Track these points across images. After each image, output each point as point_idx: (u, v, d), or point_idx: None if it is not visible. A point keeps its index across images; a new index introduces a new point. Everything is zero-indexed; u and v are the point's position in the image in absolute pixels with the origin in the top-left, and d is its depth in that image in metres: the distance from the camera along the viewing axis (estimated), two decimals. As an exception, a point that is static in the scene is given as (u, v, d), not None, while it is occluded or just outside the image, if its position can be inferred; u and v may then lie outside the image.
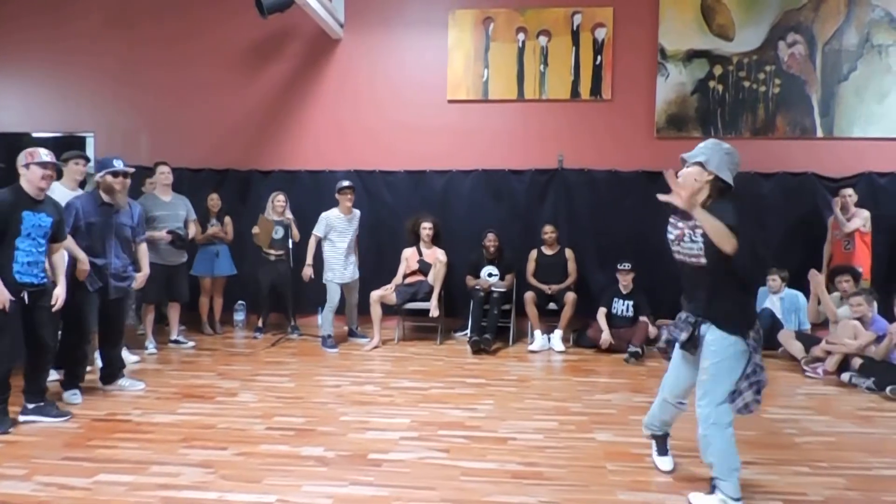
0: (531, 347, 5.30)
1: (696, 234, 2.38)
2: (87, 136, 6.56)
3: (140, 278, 4.11)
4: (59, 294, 3.32)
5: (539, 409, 3.69)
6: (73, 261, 3.63)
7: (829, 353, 4.51)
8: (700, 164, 2.38)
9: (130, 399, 3.77)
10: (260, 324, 5.77)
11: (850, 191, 5.30)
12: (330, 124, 6.31)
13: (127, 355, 4.43)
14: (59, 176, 3.89)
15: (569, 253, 5.69)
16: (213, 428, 3.27)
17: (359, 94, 6.27)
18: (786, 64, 5.83)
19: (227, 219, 5.77)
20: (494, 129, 6.13)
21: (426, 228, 5.56)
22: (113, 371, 3.97)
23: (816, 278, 4.66)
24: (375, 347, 5.27)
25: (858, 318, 4.47)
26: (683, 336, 2.50)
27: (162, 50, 6.42)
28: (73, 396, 3.67)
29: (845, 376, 4.31)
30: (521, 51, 6.05)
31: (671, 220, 2.54)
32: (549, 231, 5.66)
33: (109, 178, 3.74)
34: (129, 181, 4.09)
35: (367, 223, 5.67)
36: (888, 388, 3.95)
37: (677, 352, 2.63)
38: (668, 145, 5.83)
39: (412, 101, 6.19)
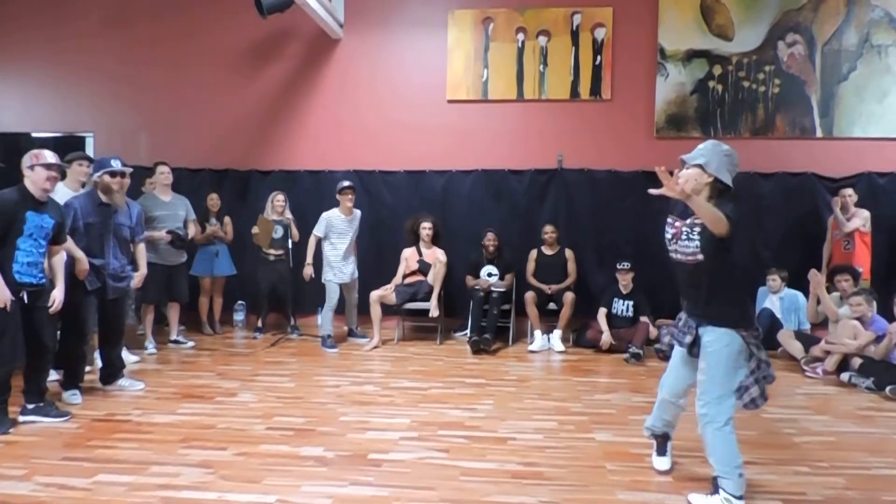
0: (531, 347, 5.30)
1: (693, 233, 2.39)
2: (87, 136, 6.56)
3: (138, 278, 4.10)
4: (57, 296, 3.32)
5: (539, 409, 3.69)
6: (71, 260, 3.62)
7: (828, 352, 4.51)
8: (700, 166, 2.39)
9: (130, 399, 3.77)
10: (259, 324, 5.77)
11: (850, 191, 5.31)
12: (330, 124, 6.31)
13: (127, 355, 4.42)
14: (62, 177, 3.89)
15: (569, 253, 5.69)
16: (213, 428, 3.27)
17: (358, 94, 6.27)
18: (785, 64, 5.83)
19: (227, 219, 5.77)
20: (494, 129, 6.13)
21: (426, 228, 5.56)
22: (113, 371, 3.97)
23: (816, 278, 4.66)
24: (375, 347, 5.27)
25: (858, 318, 4.47)
26: (688, 339, 2.51)
27: (161, 50, 6.41)
28: (72, 397, 3.67)
29: (845, 376, 4.31)
30: (520, 51, 6.05)
31: (668, 219, 2.55)
32: (549, 231, 5.66)
33: (107, 178, 3.74)
34: (128, 181, 4.09)
35: (366, 223, 5.67)
36: (888, 388, 3.96)
37: (677, 351, 2.64)
38: (667, 145, 5.83)
39: (412, 101, 6.19)
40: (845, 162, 5.73)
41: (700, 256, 2.37)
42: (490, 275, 5.60)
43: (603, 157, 5.96)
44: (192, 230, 5.22)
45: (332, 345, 5.21)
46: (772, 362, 2.47)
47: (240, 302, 6.13)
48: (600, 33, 5.97)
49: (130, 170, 3.99)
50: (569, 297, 5.37)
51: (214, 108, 6.40)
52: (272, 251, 5.59)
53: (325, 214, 5.29)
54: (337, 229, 5.27)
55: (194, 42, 6.39)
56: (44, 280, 3.28)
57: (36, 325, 3.24)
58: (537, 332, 5.36)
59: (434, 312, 5.29)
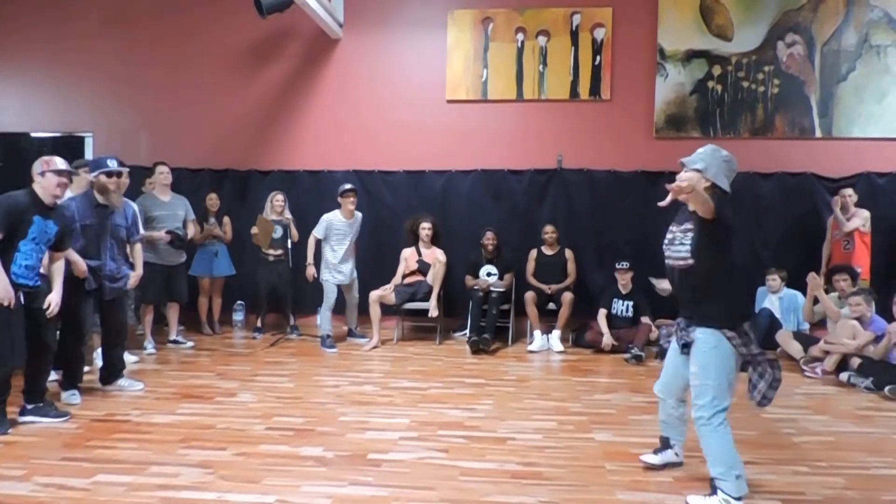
0: (530, 347, 5.30)
1: (686, 238, 2.45)
2: (86, 136, 6.56)
3: (134, 279, 4.09)
4: (53, 299, 3.30)
5: (538, 409, 3.69)
6: (68, 263, 3.62)
7: (827, 352, 4.52)
8: (698, 170, 2.41)
9: (129, 399, 3.77)
10: (259, 324, 5.77)
11: (849, 191, 5.31)
12: (329, 124, 6.31)
13: (126, 355, 4.41)
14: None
15: (569, 253, 5.69)
16: (213, 428, 3.27)
17: (358, 94, 6.27)
18: (785, 64, 5.83)
19: (226, 219, 5.76)
20: (494, 129, 6.13)
21: (425, 229, 5.56)
22: (113, 372, 3.97)
23: (815, 281, 4.68)
24: (375, 347, 5.27)
25: (857, 318, 4.47)
26: (686, 340, 2.56)
27: (161, 50, 6.41)
28: (72, 397, 3.66)
29: (844, 376, 4.32)
30: (520, 51, 6.06)
31: (671, 226, 2.59)
32: (549, 231, 5.66)
33: (104, 178, 3.71)
34: (126, 181, 4.09)
35: (366, 223, 5.66)
36: (886, 388, 3.96)
37: (671, 349, 2.68)
38: (667, 145, 5.83)
39: (411, 101, 6.19)
40: (844, 162, 5.74)
41: (690, 261, 2.42)
42: (489, 274, 5.60)
43: (602, 157, 5.96)
44: (192, 230, 5.21)
45: (332, 345, 5.21)
46: (778, 362, 2.48)
47: (239, 302, 6.12)
48: (600, 33, 5.98)
49: (127, 169, 3.98)
50: (567, 297, 5.37)
51: (214, 108, 6.40)
52: (271, 251, 5.58)
53: (325, 216, 5.29)
54: (337, 232, 5.27)
55: (194, 42, 6.39)
56: (40, 283, 3.28)
57: (38, 325, 3.24)
58: (537, 332, 5.36)
59: (433, 312, 5.29)
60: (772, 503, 2.50)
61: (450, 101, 6.16)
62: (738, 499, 2.37)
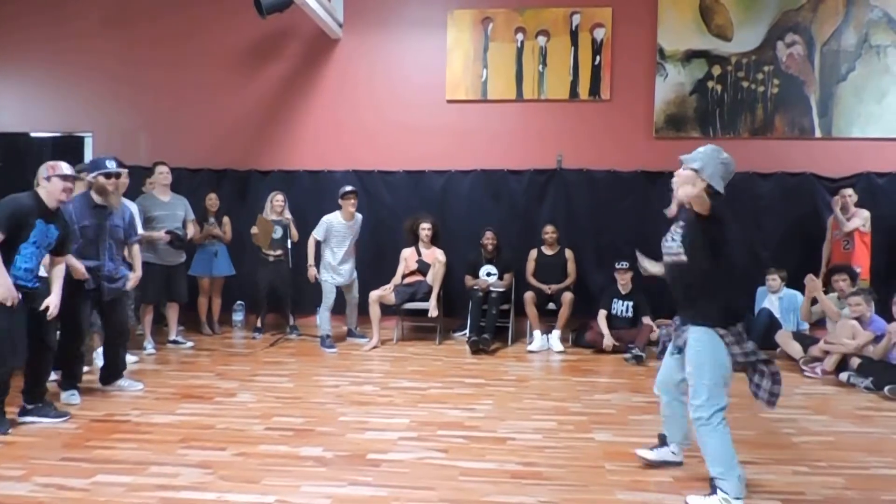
0: (530, 347, 5.30)
1: (675, 234, 2.51)
2: (86, 136, 6.56)
3: (133, 280, 4.09)
4: (52, 302, 3.30)
5: (538, 409, 3.69)
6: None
7: (827, 352, 4.52)
8: (695, 170, 2.40)
9: (129, 399, 3.77)
10: (259, 324, 5.77)
11: (850, 191, 5.31)
12: (329, 124, 6.31)
13: (126, 356, 4.42)
14: None
15: (569, 253, 5.69)
16: (212, 428, 3.27)
17: (358, 93, 6.27)
18: (784, 64, 5.83)
19: (226, 219, 5.76)
20: (493, 129, 6.13)
21: (425, 229, 5.56)
22: (114, 372, 3.96)
23: (813, 283, 4.68)
24: (374, 347, 5.27)
25: (857, 318, 4.47)
26: (681, 342, 2.58)
27: (161, 50, 6.41)
28: (71, 397, 3.66)
29: (843, 376, 4.32)
30: (519, 51, 6.06)
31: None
32: (549, 231, 5.66)
33: (102, 179, 3.69)
34: (125, 181, 4.09)
35: (366, 223, 5.66)
36: (886, 388, 3.96)
37: (669, 348, 2.72)
38: (666, 145, 5.83)
39: (411, 101, 6.19)
40: (844, 162, 5.74)
41: (683, 257, 2.46)
42: (489, 274, 5.60)
43: (602, 157, 5.96)
44: (191, 230, 5.21)
45: (331, 345, 5.21)
46: (774, 360, 2.49)
47: (239, 302, 6.12)
48: (599, 33, 5.98)
49: (125, 170, 3.97)
50: (567, 297, 5.37)
51: (214, 108, 6.40)
52: (271, 251, 5.58)
53: (325, 218, 5.28)
54: (337, 233, 5.26)
55: (194, 42, 6.39)
56: (38, 284, 3.28)
57: (38, 325, 3.24)
58: (536, 332, 5.36)
59: (433, 312, 5.29)
60: (771, 503, 2.50)
61: (449, 101, 6.16)
62: (738, 498, 2.37)
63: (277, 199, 5.62)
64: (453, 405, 3.72)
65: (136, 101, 6.46)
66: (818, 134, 5.81)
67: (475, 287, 5.46)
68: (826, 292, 4.84)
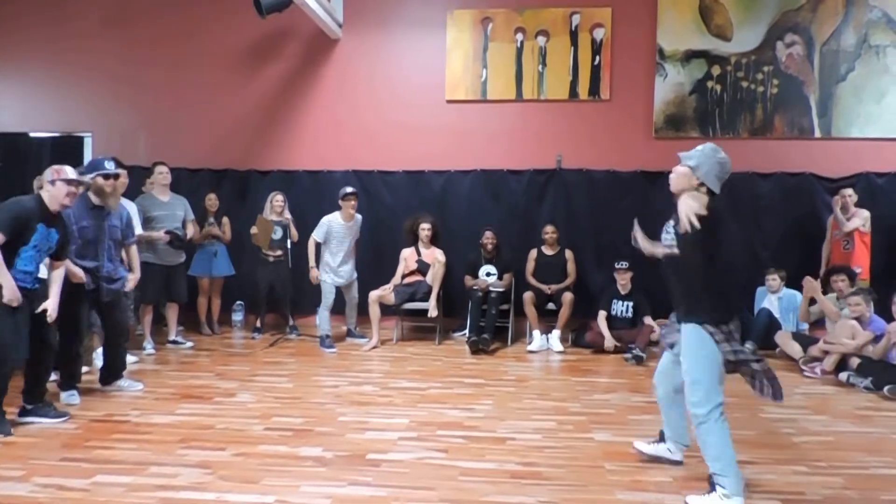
0: (530, 347, 5.30)
1: (669, 227, 2.57)
2: (85, 136, 6.56)
3: (132, 280, 4.08)
4: (50, 305, 3.29)
5: (537, 409, 3.69)
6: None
7: (826, 352, 4.52)
8: (690, 167, 2.47)
9: (129, 400, 3.77)
10: (258, 324, 5.76)
11: (850, 191, 5.31)
12: (328, 124, 6.31)
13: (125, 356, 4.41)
14: None
15: (568, 253, 5.69)
16: (212, 428, 3.27)
17: (357, 94, 6.26)
18: (784, 64, 5.83)
19: (225, 219, 5.76)
20: (493, 129, 6.13)
21: (425, 229, 5.56)
22: (114, 372, 3.96)
23: (812, 284, 4.68)
24: (374, 347, 5.26)
25: (856, 318, 4.48)
26: (670, 340, 2.65)
27: (160, 50, 6.41)
28: (71, 397, 3.66)
29: (843, 376, 4.32)
30: (519, 51, 6.06)
31: None
32: (549, 231, 5.66)
33: (100, 180, 3.67)
34: (125, 181, 4.08)
35: (365, 223, 5.66)
36: (886, 388, 3.96)
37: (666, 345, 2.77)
38: (666, 145, 5.83)
39: (411, 101, 6.19)
40: (843, 162, 5.74)
41: (675, 251, 2.51)
42: (489, 274, 5.60)
43: (601, 157, 5.96)
44: (191, 230, 5.21)
45: (331, 345, 5.21)
46: (770, 363, 2.50)
47: (238, 302, 6.12)
48: (599, 33, 5.98)
49: (124, 171, 3.96)
50: (567, 297, 5.37)
51: (213, 108, 6.39)
52: (271, 252, 5.58)
53: (325, 219, 5.28)
54: (337, 234, 5.26)
55: (194, 42, 6.39)
56: (37, 286, 3.28)
57: (39, 325, 3.24)
58: (536, 332, 5.36)
59: (433, 312, 5.29)
60: (771, 503, 2.50)
61: (449, 102, 6.16)
62: (737, 495, 2.38)
63: (277, 199, 5.62)
64: (453, 405, 3.72)
65: (136, 101, 6.45)
66: (818, 134, 5.82)
67: (475, 287, 5.46)
68: (825, 293, 4.85)
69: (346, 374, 4.42)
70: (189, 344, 5.22)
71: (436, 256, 5.51)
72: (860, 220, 5.21)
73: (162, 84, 6.42)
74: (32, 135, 6.64)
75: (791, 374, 4.56)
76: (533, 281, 5.61)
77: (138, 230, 4.53)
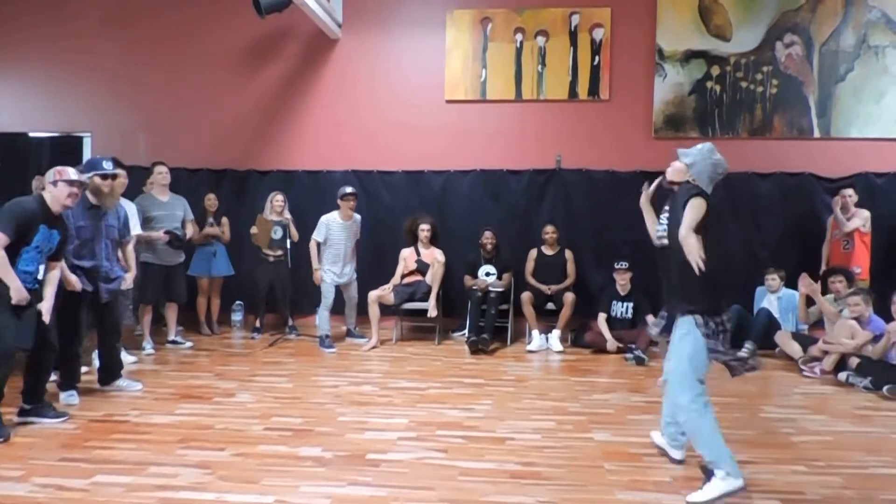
0: (529, 347, 5.30)
1: (662, 219, 2.65)
2: (85, 136, 6.55)
3: (129, 278, 4.08)
4: (45, 308, 3.28)
5: (537, 408, 3.69)
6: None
7: (826, 352, 4.52)
8: (687, 164, 2.58)
9: (128, 400, 3.76)
10: (258, 324, 5.76)
11: (850, 191, 5.31)
12: (328, 124, 6.31)
13: (125, 356, 4.41)
14: None
15: (568, 254, 5.69)
16: (211, 428, 3.27)
17: (357, 94, 6.26)
18: (783, 64, 5.84)
19: (224, 219, 5.76)
20: (492, 129, 6.13)
21: (424, 230, 5.56)
22: (111, 372, 3.95)
23: (812, 286, 4.69)
24: (373, 347, 5.26)
25: (855, 318, 4.48)
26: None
27: (160, 50, 6.41)
28: (70, 397, 3.66)
29: (842, 376, 4.32)
30: (518, 51, 6.06)
31: None
32: (550, 231, 5.67)
33: (98, 180, 3.65)
34: (124, 181, 4.07)
35: (365, 223, 5.66)
36: (885, 388, 3.96)
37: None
38: (665, 145, 5.82)
39: (410, 101, 6.19)
40: (843, 162, 5.75)
41: (665, 241, 2.59)
42: (488, 274, 5.60)
43: (601, 157, 5.97)
44: (190, 230, 5.21)
45: (330, 345, 5.21)
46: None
47: (238, 302, 6.12)
48: (598, 34, 5.98)
49: (122, 171, 3.96)
50: (569, 297, 5.36)
51: (213, 108, 6.39)
52: (271, 252, 5.58)
53: (323, 218, 5.29)
54: (336, 234, 5.26)
55: (193, 42, 6.39)
56: (37, 286, 3.28)
57: (40, 324, 3.24)
58: (535, 332, 5.36)
59: (432, 312, 5.29)
60: (770, 502, 2.50)
61: (448, 102, 6.16)
62: (736, 476, 2.42)
63: (277, 199, 5.62)
64: (452, 405, 3.72)
65: (136, 101, 6.45)
66: (817, 134, 5.82)
67: (474, 287, 5.46)
68: (824, 293, 4.85)
69: (346, 374, 4.42)
70: (188, 344, 5.21)
71: (435, 256, 5.51)
72: (860, 220, 5.21)
73: (161, 84, 6.42)
74: (32, 135, 6.64)
75: (790, 374, 4.57)
76: (532, 281, 5.61)
77: (137, 230, 4.52)
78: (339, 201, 5.27)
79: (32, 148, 6.63)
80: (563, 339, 5.37)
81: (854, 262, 5.16)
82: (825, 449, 3.09)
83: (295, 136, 6.35)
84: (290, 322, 5.82)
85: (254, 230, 5.54)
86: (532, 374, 4.61)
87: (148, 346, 4.97)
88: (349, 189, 5.32)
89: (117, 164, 3.86)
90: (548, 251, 5.70)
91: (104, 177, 3.67)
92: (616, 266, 5.33)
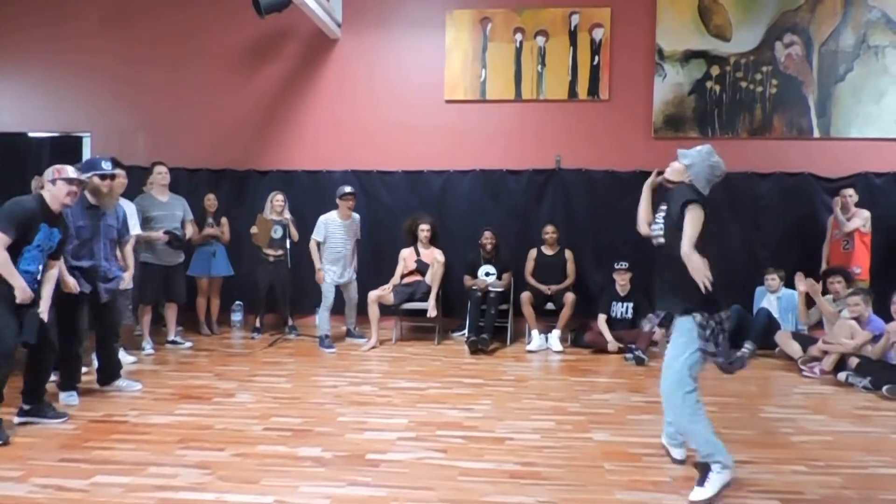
0: (529, 347, 5.30)
1: (658, 217, 2.66)
2: (84, 136, 6.55)
3: (127, 277, 4.07)
4: (42, 307, 3.27)
5: (536, 408, 3.69)
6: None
7: (825, 352, 4.52)
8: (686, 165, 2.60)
9: (127, 400, 3.76)
10: (257, 324, 5.76)
11: (850, 191, 5.31)
12: (327, 124, 6.30)
13: (124, 356, 4.42)
14: None
15: (568, 254, 5.69)
16: (211, 429, 3.27)
17: (356, 94, 6.26)
18: (783, 64, 5.84)
19: (224, 219, 5.76)
20: (492, 129, 6.13)
21: (424, 230, 5.56)
22: (110, 373, 3.95)
23: (813, 285, 4.68)
24: (373, 348, 5.26)
25: (855, 318, 4.48)
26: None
27: (159, 50, 6.41)
28: (69, 398, 3.65)
29: (842, 376, 4.32)
30: (518, 51, 6.06)
31: None
32: (550, 231, 5.67)
33: (97, 180, 3.64)
34: (123, 181, 4.07)
35: (364, 223, 5.66)
36: (884, 388, 3.96)
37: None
38: (665, 145, 5.82)
39: (410, 101, 6.19)
40: (842, 162, 5.75)
41: (662, 240, 2.60)
42: (488, 274, 5.60)
43: (601, 157, 5.97)
44: (190, 230, 5.21)
45: (330, 345, 5.21)
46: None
47: (237, 302, 6.12)
48: (598, 34, 5.98)
49: (122, 171, 3.95)
50: (569, 297, 5.36)
51: (212, 108, 6.39)
52: (271, 251, 5.58)
53: (322, 218, 5.29)
54: (334, 233, 5.27)
55: (192, 42, 6.39)
56: (36, 286, 3.27)
57: (41, 323, 3.24)
58: (535, 332, 5.36)
59: (432, 312, 5.29)
60: (770, 502, 2.50)
61: (448, 102, 6.16)
62: (729, 466, 2.46)
63: (277, 198, 5.62)
64: (452, 405, 3.72)
65: (136, 101, 6.45)
66: (816, 134, 5.82)
67: (474, 287, 5.46)
68: (823, 293, 4.85)
69: (346, 375, 4.42)
70: (188, 344, 5.21)
71: (435, 256, 5.51)
72: (860, 220, 5.21)
73: (161, 84, 6.42)
74: (31, 135, 6.63)
75: (790, 374, 4.57)
76: (532, 281, 5.61)
77: (136, 230, 4.52)
78: (337, 201, 5.27)
79: (32, 148, 6.63)
80: (562, 340, 5.37)
81: (854, 263, 5.16)
82: (825, 449, 3.09)
83: (294, 136, 6.35)
84: (290, 322, 5.82)
85: (254, 230, 5.54)
86: (532, 374, 4.61)
87: (147, 346, 4.97)
88: (348, 189, 5.32)
89: (116, 164, 3.86)
90: (547, 251, 5.70)
91: (103, 177, 3.66)
92: (616, 266, 5.33)
